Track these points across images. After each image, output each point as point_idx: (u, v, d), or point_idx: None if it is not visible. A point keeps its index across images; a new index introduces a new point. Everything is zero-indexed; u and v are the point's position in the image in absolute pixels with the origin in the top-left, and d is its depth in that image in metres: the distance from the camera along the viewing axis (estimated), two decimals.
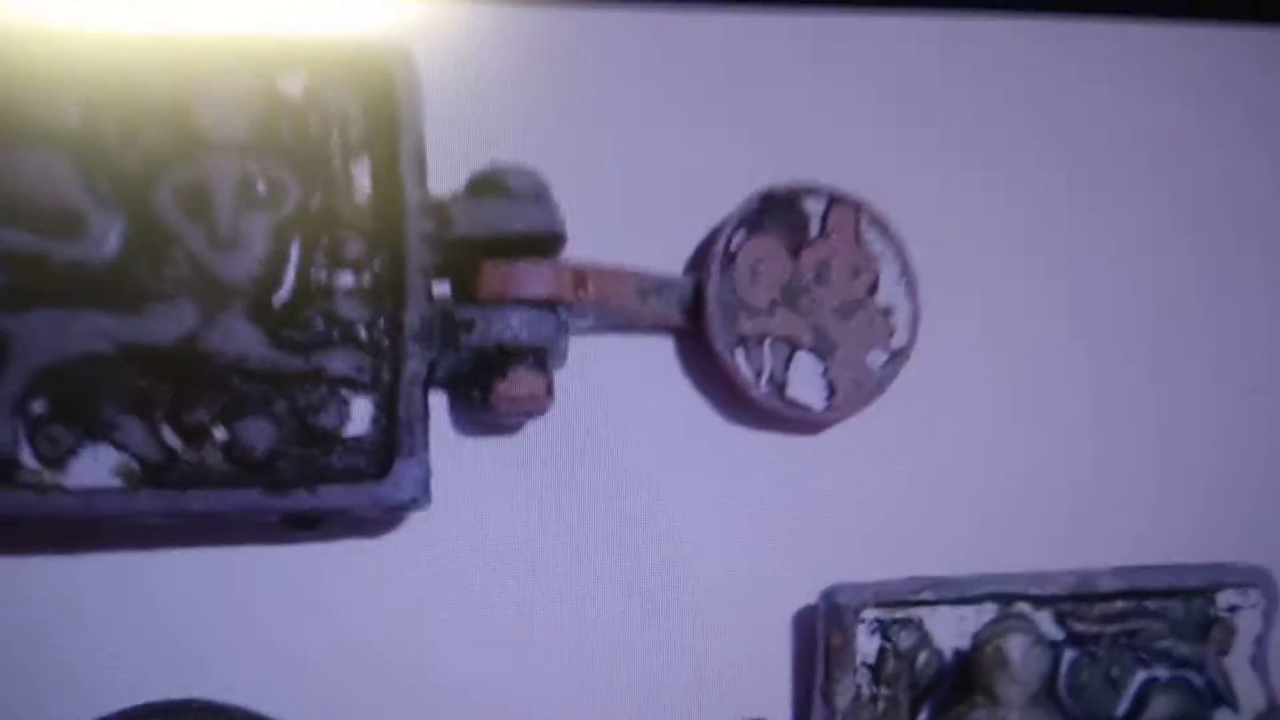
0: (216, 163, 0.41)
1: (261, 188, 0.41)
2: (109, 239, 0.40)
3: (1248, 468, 0.50)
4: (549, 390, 0.42)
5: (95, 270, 0.40)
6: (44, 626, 0.41)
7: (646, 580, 0.45)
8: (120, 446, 0.40)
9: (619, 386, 0.45)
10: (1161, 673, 0.45)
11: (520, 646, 0.44)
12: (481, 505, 0.44)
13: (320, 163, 0.42)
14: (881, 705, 0.43)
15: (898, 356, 0.46)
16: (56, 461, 0.40)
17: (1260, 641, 0.46)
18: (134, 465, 0.40)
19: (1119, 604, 0.45)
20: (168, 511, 0.40)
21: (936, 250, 0.47)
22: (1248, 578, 0.46)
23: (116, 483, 0.40)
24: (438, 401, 0.43)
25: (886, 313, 0.46)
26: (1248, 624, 0.46)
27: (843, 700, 0.43)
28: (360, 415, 0.41)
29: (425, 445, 0.41)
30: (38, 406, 0.40)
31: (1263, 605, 0.46)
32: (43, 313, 0.40)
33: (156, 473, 0.40)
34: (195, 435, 0.40)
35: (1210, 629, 0.46)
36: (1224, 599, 0.46)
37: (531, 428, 0.44)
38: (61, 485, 0.39)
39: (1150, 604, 0.45)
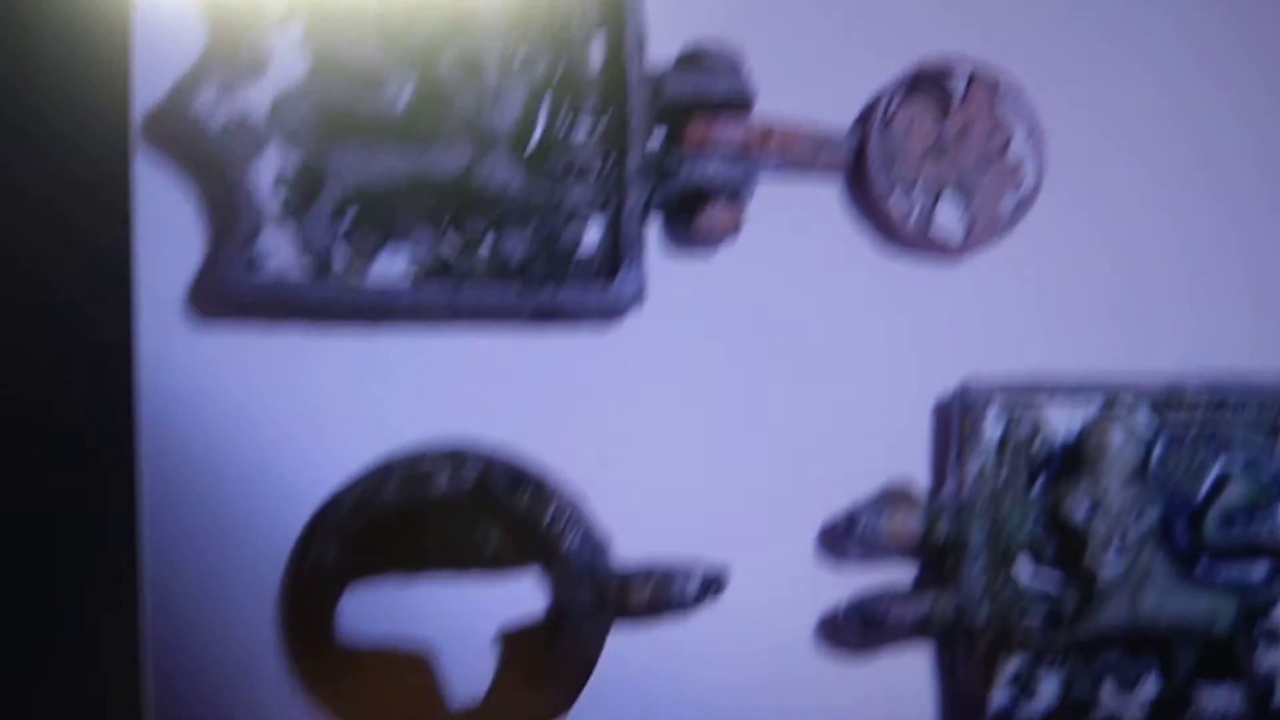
0: (487, 38, 0.48)
1: (520, 58, 0.49)
2: (403, 94, 0.48)
3: None
4: (739, 220, 0.49)
5: (392, 117, 0.48)
6: (347, 393, 0.50)
7: (812, 374, 0.51)
8: (412, 251, 0.49)
9: (794, 220, 0.51)
10: (1236, 462, 0.49)
11: (711, 418, 0.51)
12: (683, 309, 0.51)
13: (565, 39, 0.49)
14: (1003, 477, 0.48)
15: (1025, 201, 0.51)
16: (361, 262, 0.48)
17: None
18: (422, 266, 0.48)
19: (1204, 402, 0.49)
20: (446, 303, 0.48)
21: (1060, 114, 0.52)
22: None
23: (407, 280, 0.48)
24: (651, 227, 0.50)
25: (1016, 165, 0.51)
26: None
27: (972, 472, 0.48)
28: (593, 234, 0.49)
29: (641, 260, 0.49)
30: (348, 218, 0.48)
31: None
32: (352, 147, 0.48)
33: (438, 272, 0.48)
34: (469, 245, 0.49)
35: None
36: None
37: (724, 251, 0.51)
38: (364, 280, 0.48)
39: (1229, 403, 0.49)
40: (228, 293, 0.47)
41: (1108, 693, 0.50)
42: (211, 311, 0.49)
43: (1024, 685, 0.50)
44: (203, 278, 0.49)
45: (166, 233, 0.49)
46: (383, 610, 0.50)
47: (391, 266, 0.48)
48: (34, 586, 0.50)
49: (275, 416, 0.50)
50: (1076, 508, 0.48)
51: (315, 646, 0.50)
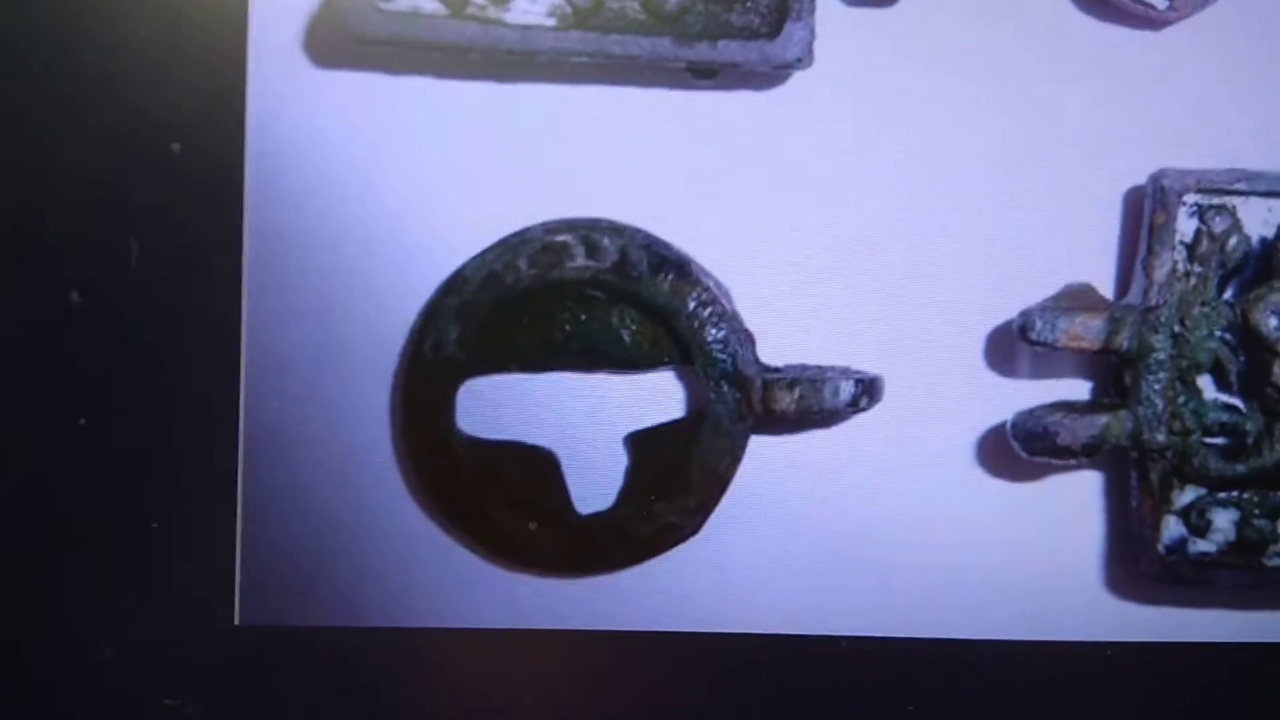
0: None
1: None
2: None
3: None
4: None
5: None
6: (480, 144, 0.46)
7: (993, 153, 0.48)
8: None
9: None
10: None
11: (877, 201, 0.47)
12: (856, 72, 0.47)
13: None
14: (1193, 280, 0.46)
15: None
16: (498, 4, 0.44)
17: None
18: (566, 8, 0.44)
19: None
20: (592, 51, 0.44)
21: None
22: None
23: (550, 22, 0.44)
24: None
25: None
26: None
27: (1160, 273, 0.46)
28: None
29: (812, 11, 0.44)
30: None
31: None
32: None
33: (584, 16, 0.44)
34: None
35: None
36: None
37: (906, 2, 0.46)
38: (503, 20, 0.44)
39: None
40: (351, 28, 0.43)
41: None
42: (331, 52, 0.46)
43: (1198, 519, 0.46)
44: (324, 10, 0.45)
45: None
46: (506, 404, 0.47)
47: (531, 12, 0.44)
48: (131, 354, 0.46)
49: (398, 178, 0.46)
50: (1267, 317, 0.45)
51: (430, 440, 0.46)
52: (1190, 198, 0.46)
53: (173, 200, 0.45)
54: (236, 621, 0.47)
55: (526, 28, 0.44)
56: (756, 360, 0.46)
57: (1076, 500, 0.48)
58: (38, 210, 0.45)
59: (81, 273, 0.45)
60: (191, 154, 0.45)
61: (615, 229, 0.46)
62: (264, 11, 0.45)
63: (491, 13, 0.44)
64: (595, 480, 0.47)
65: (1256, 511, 0.46)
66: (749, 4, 0.45)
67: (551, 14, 0.44)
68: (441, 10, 0.43)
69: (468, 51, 0.44)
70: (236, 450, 0.46)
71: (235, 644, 0.47)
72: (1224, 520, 0.46)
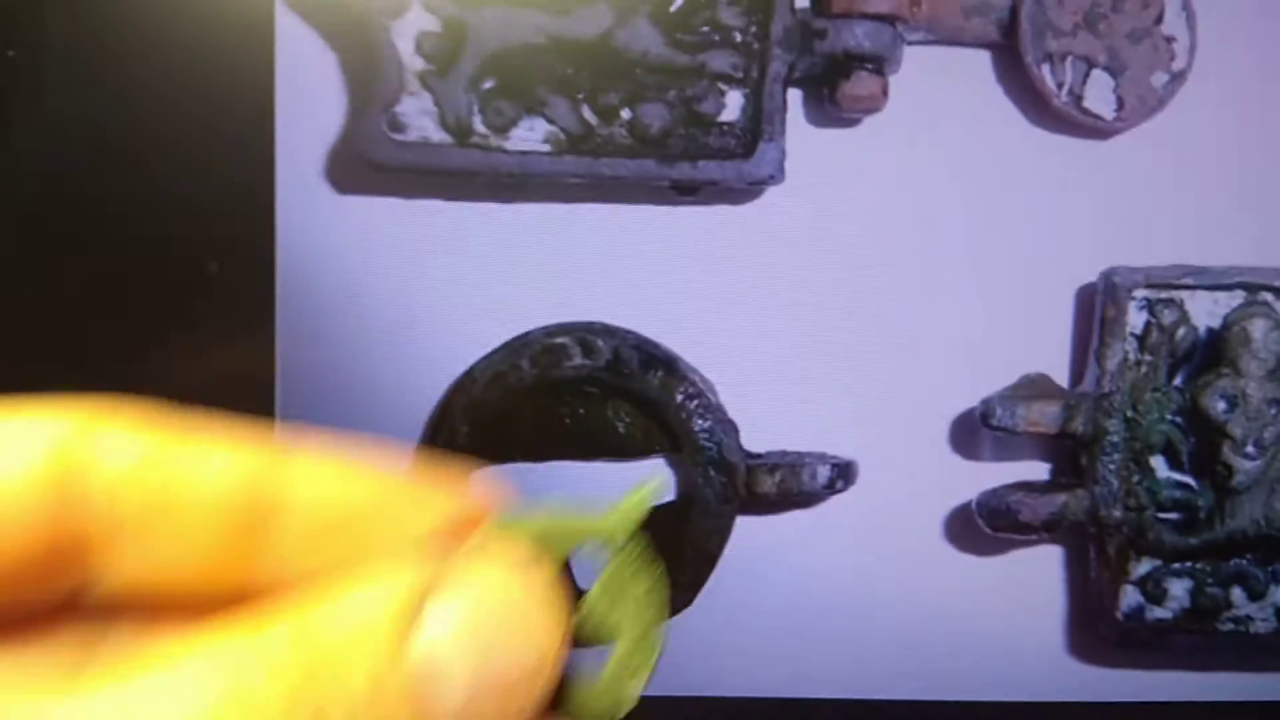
0: None
1: None
2: None
3: None
4: (884, 91, 0.48)
5: None
6: (485, 258, 0.50)
7: (952, 253, 0.50)
8: (550, 120, 0.48)
9: (942, 91, 0.50)
10: None
11: (847, 301, 0.51)
12: (825, 184, 0.50)
13: None
14: (1144, 369, 0.48)
15: (1177, 78, 0.50)
16: (501, 129, 0.48)
17: None
18: (560, 135, 0.48)
19: None
20: (584, 174, 0.48)
21: None
22: None
23: (546, 148, 0.48)
24: (794, 97, 0.50)
25: (1169, 40, 0.50)
26: None
27: (1112, 363, 0.48)
28: (733, 104, 0.48)
29: (782, 132, 0.48)
30: (487, 84, 0.48)
31: None
32: (493, 9, 0.47)
33: (576, 142, 0.48)
34: (607, 114, 0.48)
35: None
36: None
37: (869, 123, 0.50)
38: (504, 148, 0.48)
39: None
40: (368, 156, 0.47)
41: (1237, 598, 0.49)
42: (351, 179, 0.49)
43: (1154, 588, 0.49)
44: (344, 143, 0.49)
45: (307, 99, 0.49)
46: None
47: (529, 139, 0.48)
48: None
49: (412, 289, 0.50)
50: (1215, 401, 0.47)
51: None
52: (1140, 292, 0.49)
53: (210, 315, 0.49)
54: None
55: (524, 153, 0.47)
56: (740, 447, 0.49)
57: (1039, 572, 0.51)
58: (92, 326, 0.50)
59: (129, 384, 0.50)
60: (228, 272, 0.49)
61: (608, 331, 0.49)
62: (289, 144, 0.49)
63: (493, 141, 0.48)
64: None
65: (1209, 580, 0.49)
66: (725, 127, 0.48)
67: (547, 140, 0.48)
68: (448, 140, 0.47)
69: (472, 176, 0.48)
70: None
71: None
72: (1179, 589, 0.49)
